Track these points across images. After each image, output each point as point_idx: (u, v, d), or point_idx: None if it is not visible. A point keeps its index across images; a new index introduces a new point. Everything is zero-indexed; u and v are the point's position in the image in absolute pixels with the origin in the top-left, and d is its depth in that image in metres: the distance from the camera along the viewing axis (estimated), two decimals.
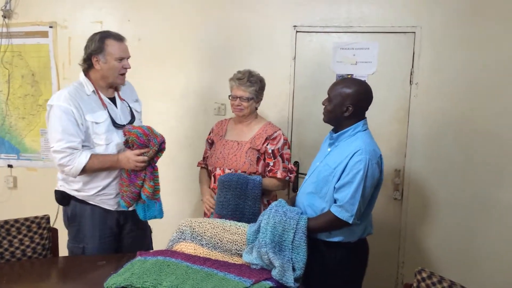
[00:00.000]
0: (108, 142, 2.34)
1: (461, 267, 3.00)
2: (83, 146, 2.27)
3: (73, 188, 2.36)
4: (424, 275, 1.82)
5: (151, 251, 2.22)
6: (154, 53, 3.41)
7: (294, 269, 2.01)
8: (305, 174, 3.10)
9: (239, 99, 2.56)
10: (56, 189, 2.43)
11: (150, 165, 2.34)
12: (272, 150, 2.56)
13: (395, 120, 3.06)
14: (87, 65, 2.38)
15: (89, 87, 2.35)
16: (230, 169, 2.58)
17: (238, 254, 2.15)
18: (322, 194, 2.11)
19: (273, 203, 2.19)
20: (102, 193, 2.36)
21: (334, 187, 2.05)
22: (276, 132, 2.60)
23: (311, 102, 3.18)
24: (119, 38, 2.37)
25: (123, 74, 2.40)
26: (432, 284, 1.76)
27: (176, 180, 3.43)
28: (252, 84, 2.56)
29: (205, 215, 2.67)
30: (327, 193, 2.09)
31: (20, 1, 3.52)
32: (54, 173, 3.63)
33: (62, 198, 2.40)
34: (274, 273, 1.97)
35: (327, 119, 2.21)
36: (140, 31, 3.41)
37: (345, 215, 2.00)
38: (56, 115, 2.23)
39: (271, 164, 2.57)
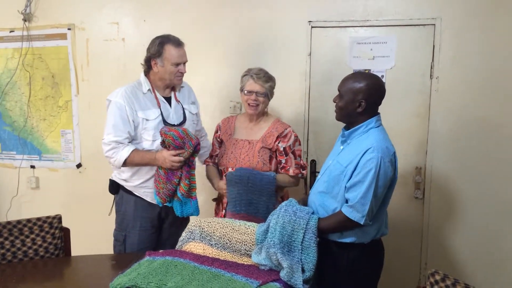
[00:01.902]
0: (155, 138, 2.47)
1: (487, 269, 2.88)
2: (133, 139, 2.45)
3: (122, 177, 2.54)
4: (437, 277, 1.73)
5: (160, 251, 2.20)
6: None
7: (303, 271, 1.96)
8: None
9: (256, 94, 2.52)
10: (110, 178, 2.62)
11: (187, 164, 2.41)
12: (284, 148, 2.52)
13: (415, 116, 2.95)
14: (147, 66, 2.55)
15: (146, 86, 2.52)
16: None
17: (247, 254, 2.11)
18: (333, 193, 2.03)
19: (283, 203, 2.14)
20: (145, 186, 2.51)
21: (345, 186, 1.98)
22: (286, 129, 2.56)
23: (328, 99, 3.05)
24: (177, 43, 2.49)
25: (180, 77, 2.53)
26: (446, 287, 1.66)
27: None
28: (268, 79, 2.54)
29: (221, 206, 2.64)
30: (339, 192, 2.01)
31: (39, 4, 3.58)
32: (75, 173, 3.73)
33: (112, 187, 2.60)
34: (283, 274, 1.92)
35: (339, 117, 2.12)
36: (156, 31, 3.33)
37: (356, 215, 1.92)
38: (111, 110, 2.43)
39: (283, 161, 2.53)
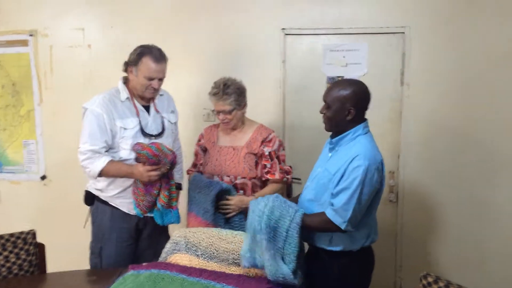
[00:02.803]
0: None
1: (462, 270, 2.97)
2: (110, 148, 2.37)
3: (97, 187, 2.47)
4: (430, 279, 1.77)
5: (144, 264, 2.13)
6: None
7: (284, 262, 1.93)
8: (299, 179, 3.09)
9: (222, 113, 2.50)
10: (85, 189, 2.54)
11: (165, 175, 2.34)
12: (269, 152, 2.51)
13: (388, 121, 3.03)
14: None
15: (124, 94, 2.44)
16: (228, 176, 2.52)
17: (235, 263, 2.08)
18: (321, 201, 2.02)
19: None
20: (122, 196, 2.44)
21: (332, 193, 1.97)
22: (270, 134, 2.55)
23: (303, 105, 3.13)
24: (157, 58, 2.38)
25: (151, 91, 2.43)
26: None
27: None
28: (229, 95, 2.47)
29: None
30: (326, 200, 2.00)
31: (0, 10, 3.41)
32: (39, 186, 3.56)
33: (87, 197, 2.52)
34: (267, 271, 1.90)
35: (328, 127, 2.09)
36: (125, 38, 3.31)
37: (338, 220, 1.91)
38: (88, 118, 2.36)
39: (268, 165, 2.51)
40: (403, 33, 2.94)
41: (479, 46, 2.84)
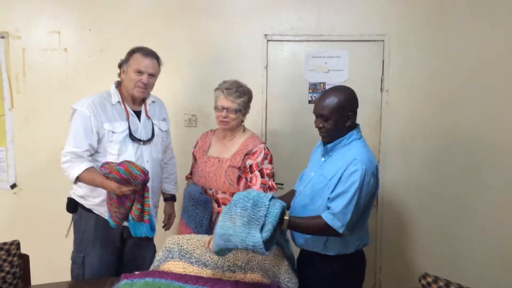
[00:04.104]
0: (120, 153, 2.35)
1: (438, 269, 3.04)
2: (96, 152, 2.32)
3: (79, 194, 2.39)
4: (429, 279, 1.82)
5: (137, 272, 2.08)
6: None
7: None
8: (281, 184, 3.11)
9: (226, 110, 2.40)
10: (68, 196, 2.46)
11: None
12: (251, 165, 2.40)
13: (368, 126, 3.08)
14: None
15: (115, 97, 2.40)
16: (211, 189, 2.46)
17: (230, 269, 2.07)
18: (316, 206, 2.03)
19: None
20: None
21: (329, 197, 1.98)
22: (257, 146, 2.43)
23: (285, 111, 3.16)
24: (146, 53, 2.39)
25: (141, 88, 2.38)
26: None
27: None
28: (241, 95, 2.41)
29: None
30: (321, 205, 2.01)
31: None
32: (9, 194, 3.39)
33: (70, 205, 2.44)
34: (236, 239, 1.78)
35: (329, 139, 2.08)
36: (103, 41, 3.25)
37: (337, 223, 1.91)
38: (75, 119, 2.32)
39: (249, 179, 2.39)
40: (383, 41, 3.03)
41: (455, 54, 2.97)
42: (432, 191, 3.06)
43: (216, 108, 2.46)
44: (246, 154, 2.42)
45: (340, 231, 1.93)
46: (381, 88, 3.06)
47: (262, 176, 2.38)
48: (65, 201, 2.48)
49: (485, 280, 2.99)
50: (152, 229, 2.24)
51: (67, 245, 2.48)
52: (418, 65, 3.02)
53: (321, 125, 2.07)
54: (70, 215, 2.48)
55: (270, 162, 2.44)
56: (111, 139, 2.33)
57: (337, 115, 2.03)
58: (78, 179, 2.25)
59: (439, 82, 3.00)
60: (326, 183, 2.01)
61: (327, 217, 1.95)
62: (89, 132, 2.28)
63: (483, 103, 2.97)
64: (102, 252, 2.39)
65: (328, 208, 1.98)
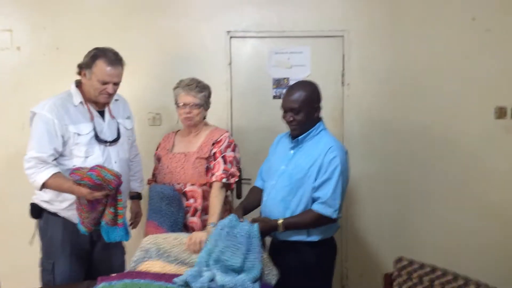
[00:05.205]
0: (87, 155, 2.28)
1: (397, 251, 3.17)
2: (61, 156, 2.23)
3: (44, 199, 2.31)
4: (404, 262, 1.91)
5: (114, 274, 2.04)
6: (75, 63, 3.13)
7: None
8: (249, 180, 3.14)
9: (189, 106, 2.44)
10: (31, 202, 2.36)
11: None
12: (214, 152, 2.43)
13: (331, 119, 3.15)
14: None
15: (77, 98, 2.31)
16: (179, 184, 2.44)
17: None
18: (298, 196, 2.11)
19: (224, 221, 2.07)
20: (74, 208, 2.23)
21: (313, 187, 2.06)
22: (222, 135, 2.48)
23: (250, 107, 3.19)
24: (111, 62, 2.27)
25: (105, 95, 2.30)
26: (413, 270, 1.85)
27: None
28: (201, 89, 2.47)
29: None
30: (303, 194, 2.09)
31: None
32: None
33: (34, 210, 2.35)
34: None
35: (299, 131, 2.16)
36: (59, 39, 3.13)
37: (329, 210, 2.02)
38: (36, 123, 2.21)
39: (211, 166, 2.42)
40: (343, 36, 3.12)
41: (410, 49, 3.11)
42: (394, 180, 3.20)
43: (177, 106, 2.49)
44: (213, 144, 2.46)
45: (334, 216, 2.04)
46: (342, 82, 3.15)
47: (225, 162, 2.42)
48: (25, 206, 2.38)
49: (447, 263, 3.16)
50: (127, 232, 2.19)
51: (33, 251, 2.40)
52: (376, 60, 3.14)
53: (291, 119, 2.14)
54: (30, 221, 2.38)
55: (233, 150, 2.48)
56: (77, 142, 2.26)
57: (307, 107, 2.12)
58: (44, 186, 2.16)
59: (396, 75, 3.14)
60: (306, 172, 2.09)
61: (318, 207, 2.05)
62: (53, 136, 2.20)
63: (436, 95, 3.13)
64: (72, 257, 2.32)
65: (315, 199, 2.07)
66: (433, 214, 3.19)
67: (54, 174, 2.16)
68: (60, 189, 2.18)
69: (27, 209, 2.39)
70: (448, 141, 3.14)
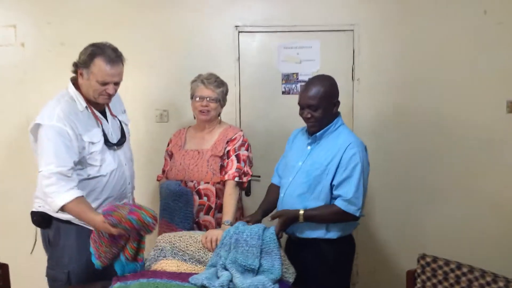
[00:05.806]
0: (101, 163, 2.14)
1: (404, 253, 3.16)
2: (76, 165, 2.03)
3: None
4: (428, 259, 1.87)
5: (129, 274, 1.99)
6: None
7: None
8: (258, 177, 3.10)
9: (206, 99, 2.40)
10: (34, 210, 2.17)
11: None
12: (228, 151, 2.41)
13: (341, 115, 3.14)
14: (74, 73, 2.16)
15: (81, 103, 2.13)
16: (192, 181, 2.41)
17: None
18: (316, 193, 2.07)
19: (230, 230, 2.05)
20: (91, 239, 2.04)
21: (332, 185, 2.03)
22: (236, 133, 2.46)
23: (259, 103, 3.15)
24: (111, 60, 2.07)
25: (106, 96, 2.13)
26: (438, 267, 1.82)
27: None
28: (220, 85, 2.45)
29: None
30: (322, 191, 2.06)
31: None
32: None
33: (42, 219, 2.15)
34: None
35: (318, 128, 2.10)
36: (64, 35, 3.08)
37: (352, 208, 1.99)
38: (48, 136, 1.99)
39: (224, 165, 2.40)
40: (352, 30, 3.08)
41: (421, 42, 3.06)
42: (404, 175, 3.16)
43: (194, 99, 2.44)
44: (227, 142, 2.43)
45: (357, 214, 2.02)
46: (352, 77, 3.11)
47: (238, 161, 2.40)
48: (25, 206, 2.28)
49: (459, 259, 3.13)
50: (143, 266, 2.06)
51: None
52: (387, 54, 3.09)
53: (309, 116, 2.09)
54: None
55: (247, 150, 2.46)
56: (92, 151, 2.11)
57: (325, 103, 2.07)
58: (62, 208, 1.96)
59: (407, 70, 3.09)
60: (324, 169, 2.05)
61: (341, 204, 2.01)
62: (70, 148, 2.01)
63: (447, 90, 3.08)
64: (88, 264, 2.07)
65: (335, 196, 2.04)
66: (446, 210, 3.15)
67: (77, 198, 1.96)
68: (79, 217, 2.00)
69: (27, 209, 2.26)
70: (460, 136, 3.09)
